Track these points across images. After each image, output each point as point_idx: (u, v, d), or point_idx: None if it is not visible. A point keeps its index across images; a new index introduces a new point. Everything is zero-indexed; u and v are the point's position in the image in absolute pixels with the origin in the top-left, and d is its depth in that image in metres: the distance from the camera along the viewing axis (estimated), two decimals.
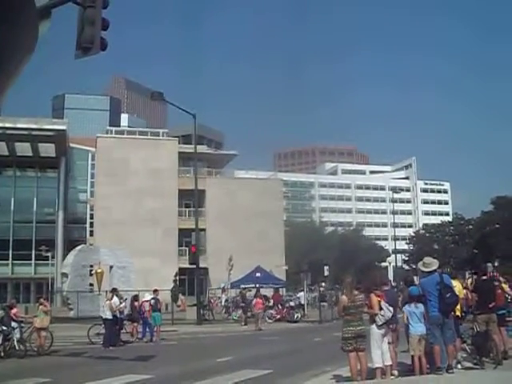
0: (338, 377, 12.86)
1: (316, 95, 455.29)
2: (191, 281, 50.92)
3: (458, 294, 12.69)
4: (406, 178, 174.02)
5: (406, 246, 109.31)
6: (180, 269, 55.21)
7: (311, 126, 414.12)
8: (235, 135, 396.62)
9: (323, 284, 59.47)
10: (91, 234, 65.68)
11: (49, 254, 62.00)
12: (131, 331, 24.98)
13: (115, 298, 23.51)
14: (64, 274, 41.29)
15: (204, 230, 55.36)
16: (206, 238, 57.77)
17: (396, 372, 12.18)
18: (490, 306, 13.00)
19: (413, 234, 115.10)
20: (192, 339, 26.49)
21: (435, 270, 12.44)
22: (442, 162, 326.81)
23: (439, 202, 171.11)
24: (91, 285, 41.14)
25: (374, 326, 11.85)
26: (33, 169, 68.88)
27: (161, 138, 78.17)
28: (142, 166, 59.74)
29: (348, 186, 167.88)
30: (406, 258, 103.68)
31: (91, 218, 67.57)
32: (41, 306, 20.69)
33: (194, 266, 36.35)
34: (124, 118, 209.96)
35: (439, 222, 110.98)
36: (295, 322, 35.13)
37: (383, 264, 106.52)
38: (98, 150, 62.65)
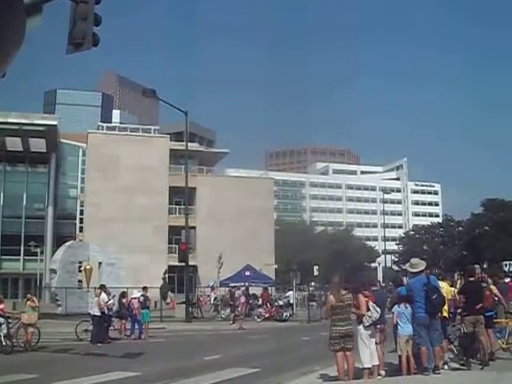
0: (325, 376, 12.89)
1: (309, 94, 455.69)
2: (180, 278, 50.81)
3: (445, 295, 12.74)
4: (397, 179, 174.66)
5: (395, 247, 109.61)
6: (169, 266, 55.21)
7: (303, 125, 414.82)
8: (227, 133, 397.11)
9: (312, 283, 59.63)
10: (81, 230, 65.42)
11: (38, 250, 61.69)
12: (119, 328, 24.93)
13: (103, 295, 23.42)
14: (53, 270, 41.12)
15: (194, 227, 55.22)
16: (195, 236, 57.65)
17: (383, 372, 12.23)
18: (477, 307, 13.04)
19: (403, 235, 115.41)
20: (180, 337, 26.45)
21: (422, 271, 12.47)
22: (432, 163, 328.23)
23: (429, 204, 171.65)
24: (80, 281, 40.98)
25: (361, 326, 11.88)
26: (23, 164, 68.48)
27: (152, 134, 77.91)
28: (133, 162, 59.60)
29: (339, 186, 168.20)
30: (396, 259, 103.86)
31: (81, 214, 67.32)
32: (28, 302, 20.56)
33: (184, 264, 36.31)
34: (116, 115, 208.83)
35: (429, 224, 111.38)
36: (284, 320, 35.14)
37: (373, 264, 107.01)
38: (88, 146, 62.45)
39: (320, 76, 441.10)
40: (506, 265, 43.74)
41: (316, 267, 52.12)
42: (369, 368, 11.80)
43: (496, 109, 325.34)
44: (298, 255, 76.86)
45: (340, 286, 11.85)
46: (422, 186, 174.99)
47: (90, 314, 23.42)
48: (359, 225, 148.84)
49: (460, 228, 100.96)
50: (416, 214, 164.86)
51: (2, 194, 66.84)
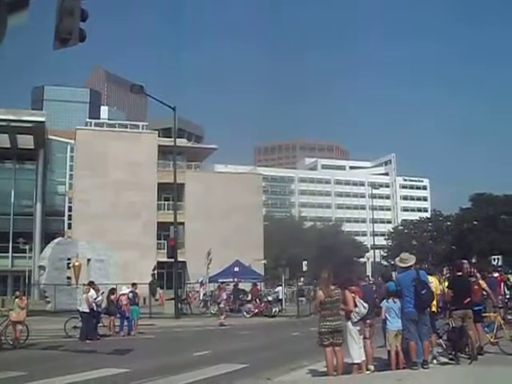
0: (314, 371, 12.89)
1: (298, 90, 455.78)
2: (169, 274, 50.80)
3: (434, 290, 12.76)
4: (386, 174, 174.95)
5: (384, 242, 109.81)
6: (158, 262, 55.16)
7: (292, 120, 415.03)
8: (215, 129, 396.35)
9: (302, 279, 59.72)
10: (69, 227, 65.35)
11: (26, 247, 61.56)
12: (108, 325, 24.87)
13: (92, 291, 23.35)
14: (41, 267, 41.00)
15: (183, 223, 55.24)
16: (184, 232, 57.60)
17: (372, 367, 12.25)
18: (465, 301, 13.08)
19: (391, 230, 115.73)
20: (169, 333, 26.41)
21: (412, 266, 12.48)
22: (421, 158, 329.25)
23: (418, 199, 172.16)
24: (69, 278, 40.93)
25: (349, 322, 11.90)
26: (11, 160, 68.23)
27: (140, 130, 77.85)
28: (122, 158, 59.49)
29: (328, 182, 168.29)
30: (385, 254, 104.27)
31: (69, 210, 67.25)
32: (17, 300, 20.45)
33: (172, 260, 36.29)
34: (104, 111, 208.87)
35: (418, 219, 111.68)
36: (273, 316, 35.14)
37: (362, 259, 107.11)
38: (77, 143, 62.23)
39: (309, 71, 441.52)
40: (494, 259, 43.83)
41: (305, 262, 52.11)
42: (358, 363, 11.83)
43: (485, 104, 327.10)
44: (287, 250, 76.78)
45: (329, 281, 11.85)
46: (411, 180, 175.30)
47: (78, 310, 23.32)
48: (348, 220, 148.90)
49: (448, 223, 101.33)
50: (405, 209, 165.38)
51: None
